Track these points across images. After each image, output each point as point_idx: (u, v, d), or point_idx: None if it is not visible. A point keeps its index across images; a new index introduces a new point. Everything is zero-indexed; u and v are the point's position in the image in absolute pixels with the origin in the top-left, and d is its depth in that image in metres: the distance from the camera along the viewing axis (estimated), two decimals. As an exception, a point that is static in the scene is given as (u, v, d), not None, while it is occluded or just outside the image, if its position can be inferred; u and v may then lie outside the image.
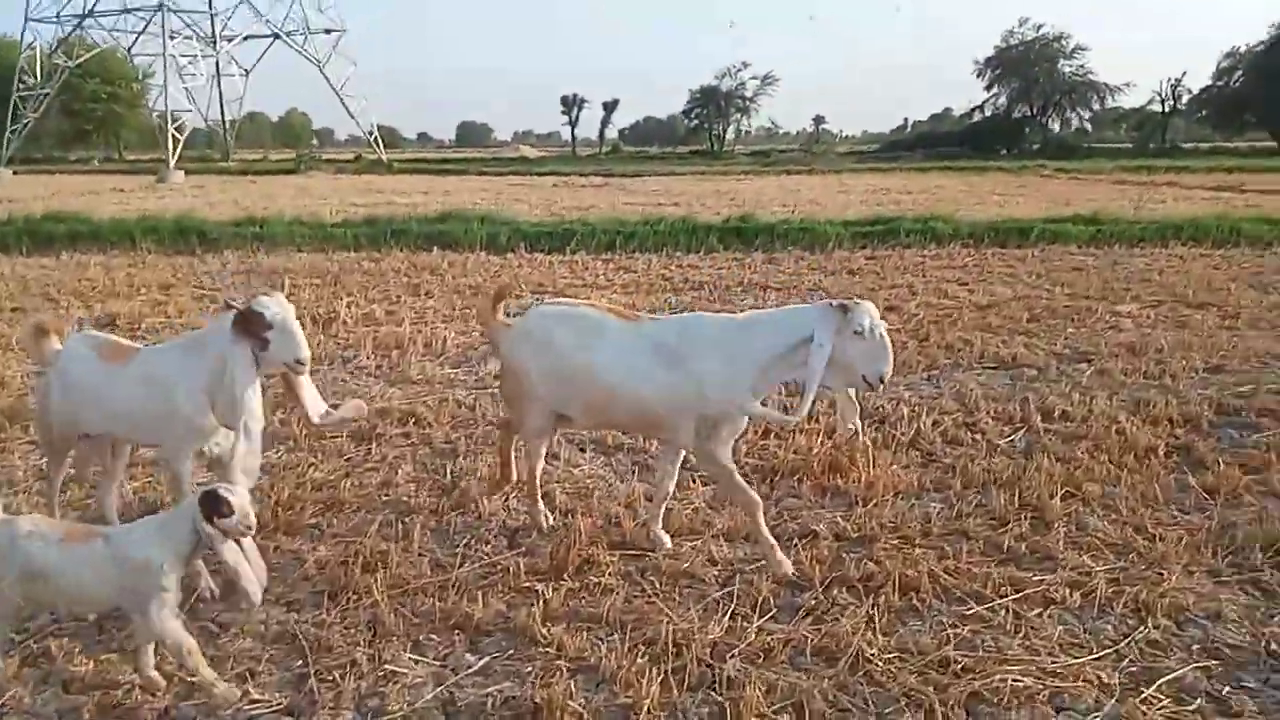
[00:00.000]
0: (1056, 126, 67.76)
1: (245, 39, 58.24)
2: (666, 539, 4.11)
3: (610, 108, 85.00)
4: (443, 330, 8.13)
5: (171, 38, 49.67)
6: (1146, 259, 12.50)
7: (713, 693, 3.04)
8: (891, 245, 13.74)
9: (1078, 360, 7.27)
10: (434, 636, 3.39)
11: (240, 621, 3.44)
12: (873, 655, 3.21)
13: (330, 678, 3.12)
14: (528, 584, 3.74)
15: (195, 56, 53.26)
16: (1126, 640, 3.33)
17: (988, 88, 68.28)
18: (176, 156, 42.46)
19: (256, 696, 3.03)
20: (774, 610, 3.55)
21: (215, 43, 55.88)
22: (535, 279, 11.18)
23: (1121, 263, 12.17)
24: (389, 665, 3.20)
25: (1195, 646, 3.30)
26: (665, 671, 3.11)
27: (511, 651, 3.30)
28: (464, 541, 4.14)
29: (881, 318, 3.61)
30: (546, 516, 4.34)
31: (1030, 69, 65.72)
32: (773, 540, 3.82)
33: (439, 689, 3.08)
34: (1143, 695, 3.00)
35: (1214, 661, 3.21)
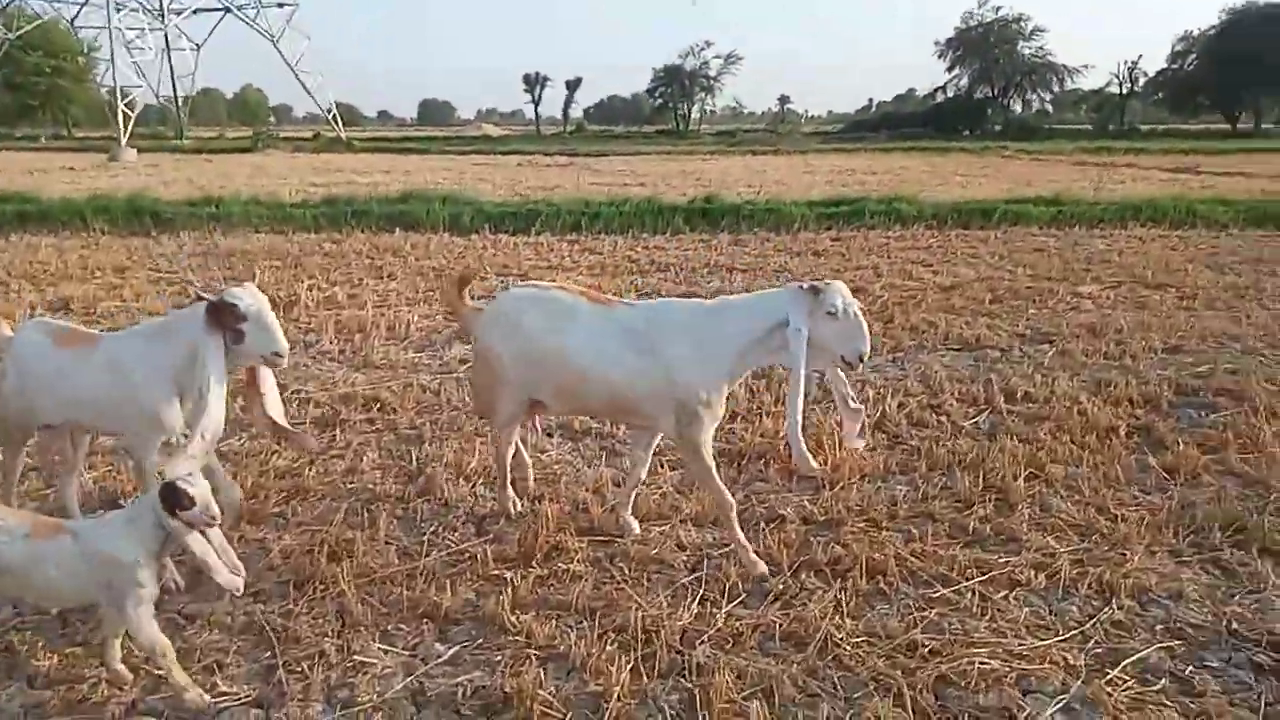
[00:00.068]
0: (1018, 108, 68.60)
1: (195, 12, 56.91)
2: (635, 525, 4.09)
3: (573, 86, 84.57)
4: (406, 313, 8.03)
5: (117, 10, 48.35)
6: (1106, 240, 12.68)
7: (683, 679, 3.04)
8: (856, 226, 13.81)
9: (1040, 341, 7.35)
10: (403, 626, 3.36)
11: (207, 613, 3.38)
12: (841, 639, 3.22)
13: (299, 669, 3.08)
14: (496, 571, 3.72)
15: (143, 30, 51.83)
16: (1091, 621, 3.38)
17: (949, 69, 68.87)
18: (128, 134, 41.34)
19: (224, 689, 2.98)
20: (743, 595, 3.56)
21: (163, 16, 54.42)
22: (500, 261, 11.07)
23: (1082, 244, 12.33)
24: (358, 656, 3.16)
25: (1159, 627, 3.36)
26: (635, 659, 3.11)
27: (481, 640, 3.27)
28: (431, 529, 4.09)
29: None
30: (515, 503, 4.30)
31: (990, 50, 66.42)
32: (746, 543, 3.79)
33: (409, 679, 3.05)
34: (1108, 676, 3.04)
35: (1177, 641, 3.27)
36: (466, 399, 5.85)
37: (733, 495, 3.90)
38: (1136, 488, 4.53)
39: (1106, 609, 3.45)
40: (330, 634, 3.27)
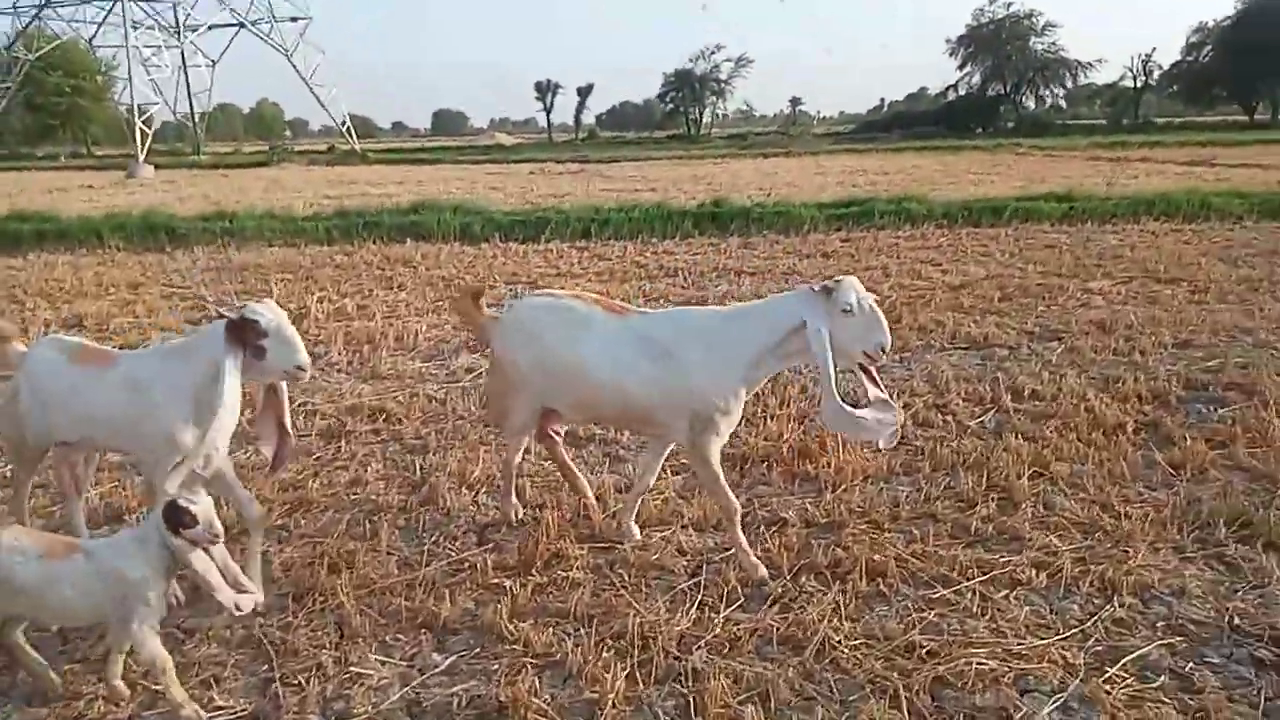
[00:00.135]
0: (1031, 104, 68.13)
1: (210, 29, 57.50)
2: (636, 531, 4.09)
3: (585, 93, 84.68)
4: (415, 323, 8.08)
5: (134, 28, 48.98)
6: (1118, 235, 12.58)
7: (678, 685, 3.03)
8: (866, 227, 13.77)
9: (1049, 338, 7.30)
10: (401, 636, 3.37)
11: (205, 627, 3.41)
12: (839, 642, 3.21)
13: (295, 681, 3.10)
14: (496, 580, 3.72)
15: (159, 47, 52.52)
16: (1092, 620, 3.35)
17: (960, 66, 68.55)
18: (145, 151, 41.84)
19: (221, 703, 3.01)
20: (741, 600, 3.55)
21: (179, 33, 55.11)
22: (509, 269, 11.11)
23: (1094, 239, 12.24)
24: (355, 667, 3.17)
25: (1160, 624, 3.33)
26: (631, 665, 3.11)
27: (478, 649, 3.28)
28: (432, 539, 4.11)
29: None
30: (517, 510, 4.31)
31: (1002, 47, 66.01)
32: (748, 547, 3.78)
33: (405, 689, 3.06)
34: (1107, 674, 3.01)
35: (1178, 638, 3.24)
36: (472, 408, 5.88)
37: (736, 499, 3.90)
38: (1142, 484, 4.49)
39: (1108, 607, 3.42)
40: (328, 646, 3.29)
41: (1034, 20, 66.50)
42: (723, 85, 75.64)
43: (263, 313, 3.36)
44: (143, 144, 42.04)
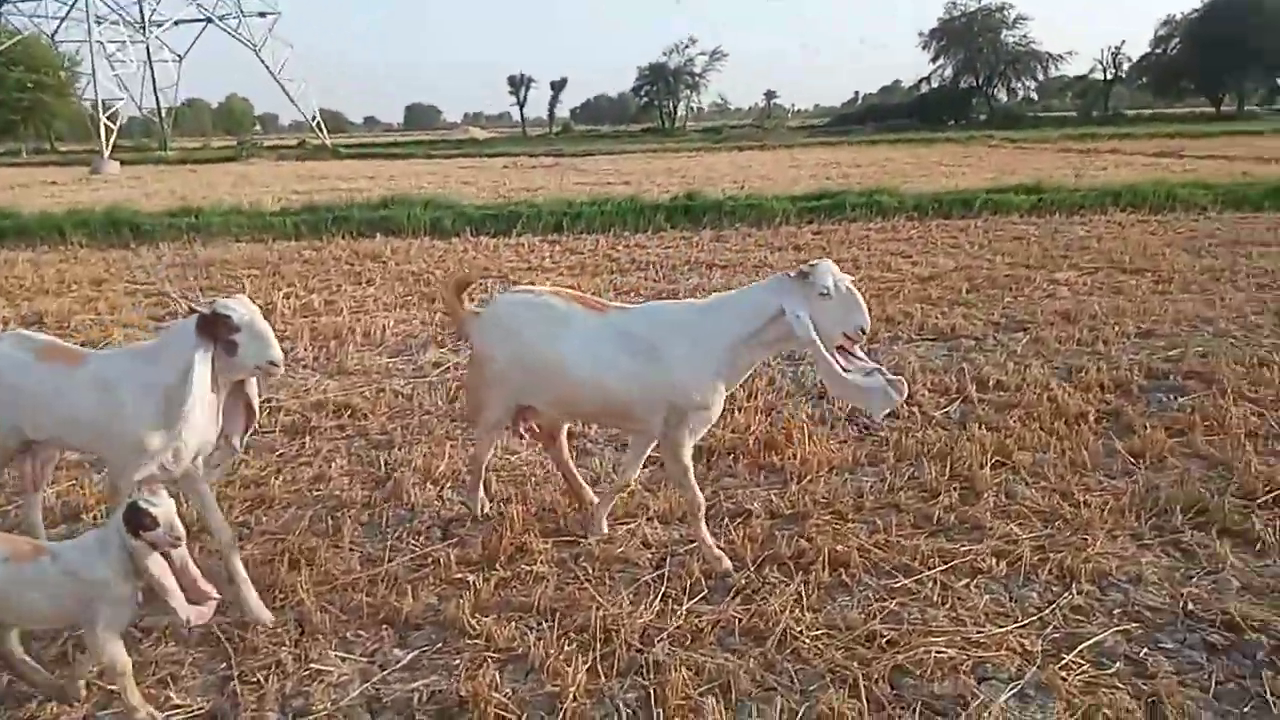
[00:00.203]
0: (1003, 97, 68.70)
1: (176, 23, 56.81)
2: (605, 525, 4.08)
3: (559, 87, 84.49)
4: (382, 319, 8.02)
5: (97, 23, 48.26)
6: (1086, 226, 12.71)
7: (640, 678, 3.04)
8: (838, 219, 13.82)
9: (1014, 329, 7.37)
10: (362, 632, 3.35)
11: (163, 625, 3.36)
12: (800, 633, 3.22)
13: (254, 679, 3.07)
14: (459, 575, 3.71)
15: (124, 42, 51.85)
16: (1050, 607, 3.38)
17: (933, 59, 68.99)
18: (111, 146, 41.39)
19: (178, 702, 2.97)
20: (705, 591, 3.56)
21: (145, 28, 54.34)
22: (480, 263, 11.06)
23: (1061, 231, 12.36)
24: (315, 664, 3.15)
25: (1116, 610, 3.37)
26: (594, 658, 3.11)
27: (440, 644, 3.26)
28: (395, 534, 4.08)
29: None
30: (484, 505, 4.29)
31: (974, 40, 66.56)
32: (712, 541, 3.79)
33: (365, 685, 3.04)
34: (1063, 661, 3.05)
35: (1134, 624, 3.28)
36: (439, 403, 5.84)
37: (702, 491, 3.89)
38: (1102, 472, 4.55)
39: (1066, 594, 3.46)
40: (288, 643, 3.26)
41: (1005, 13, 67.26)
42: (696, 79, 75.71)
43: (235, 308, 3.30)
44: (108, 140, 41.57)
